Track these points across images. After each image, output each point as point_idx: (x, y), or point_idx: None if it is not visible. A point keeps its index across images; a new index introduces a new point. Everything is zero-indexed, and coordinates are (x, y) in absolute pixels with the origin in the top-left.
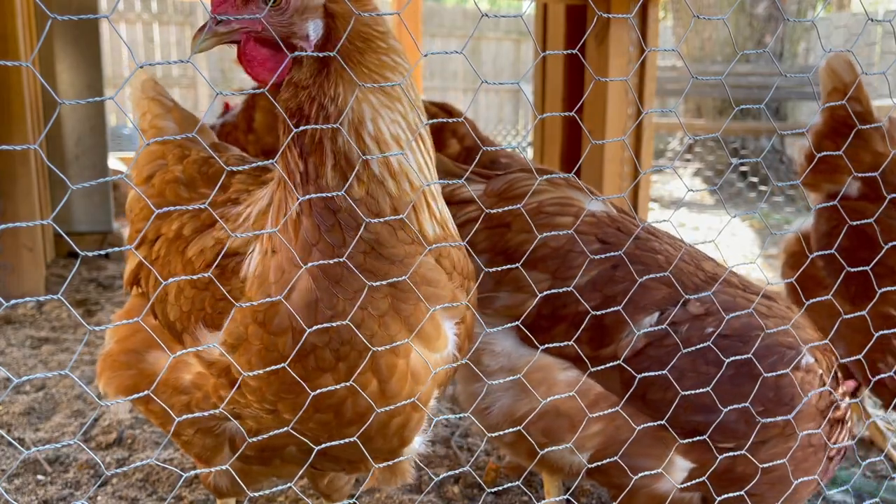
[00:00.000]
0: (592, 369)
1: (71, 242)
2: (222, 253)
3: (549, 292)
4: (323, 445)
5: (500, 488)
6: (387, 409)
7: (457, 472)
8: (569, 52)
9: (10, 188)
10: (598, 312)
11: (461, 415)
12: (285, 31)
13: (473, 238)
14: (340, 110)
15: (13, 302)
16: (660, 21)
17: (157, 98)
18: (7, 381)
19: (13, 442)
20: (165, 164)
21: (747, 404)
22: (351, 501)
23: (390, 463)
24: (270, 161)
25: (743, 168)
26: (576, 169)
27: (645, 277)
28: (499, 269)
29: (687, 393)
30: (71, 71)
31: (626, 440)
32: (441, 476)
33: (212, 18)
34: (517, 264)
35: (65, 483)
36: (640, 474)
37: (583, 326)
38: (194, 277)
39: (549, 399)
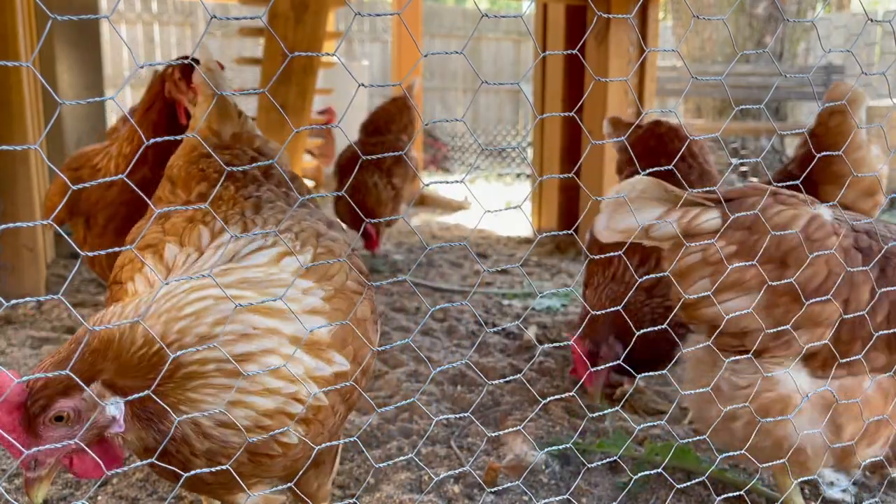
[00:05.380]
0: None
1: (71, 242)
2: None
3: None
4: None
5: (500, 488)
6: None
7: (457, 471)
8: (569, 52)
9: (10, 188)
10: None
11: (461, 414)
12: (96, 433)
13: (739, 275)
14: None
15: (13, 302)
16: (660, 21)
17: None
18: None
19: (13, 442)
20: None
21: None
22: (351, 501)
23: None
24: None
25: (743, 168)
26: (576, 169)
27: None
28: (783, 329)
29: None
30: (71, 71)
31: None
32: (441, 476)
33: (26, 461)
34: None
35: (65, 483)
36: None
37: (877, 336)
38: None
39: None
